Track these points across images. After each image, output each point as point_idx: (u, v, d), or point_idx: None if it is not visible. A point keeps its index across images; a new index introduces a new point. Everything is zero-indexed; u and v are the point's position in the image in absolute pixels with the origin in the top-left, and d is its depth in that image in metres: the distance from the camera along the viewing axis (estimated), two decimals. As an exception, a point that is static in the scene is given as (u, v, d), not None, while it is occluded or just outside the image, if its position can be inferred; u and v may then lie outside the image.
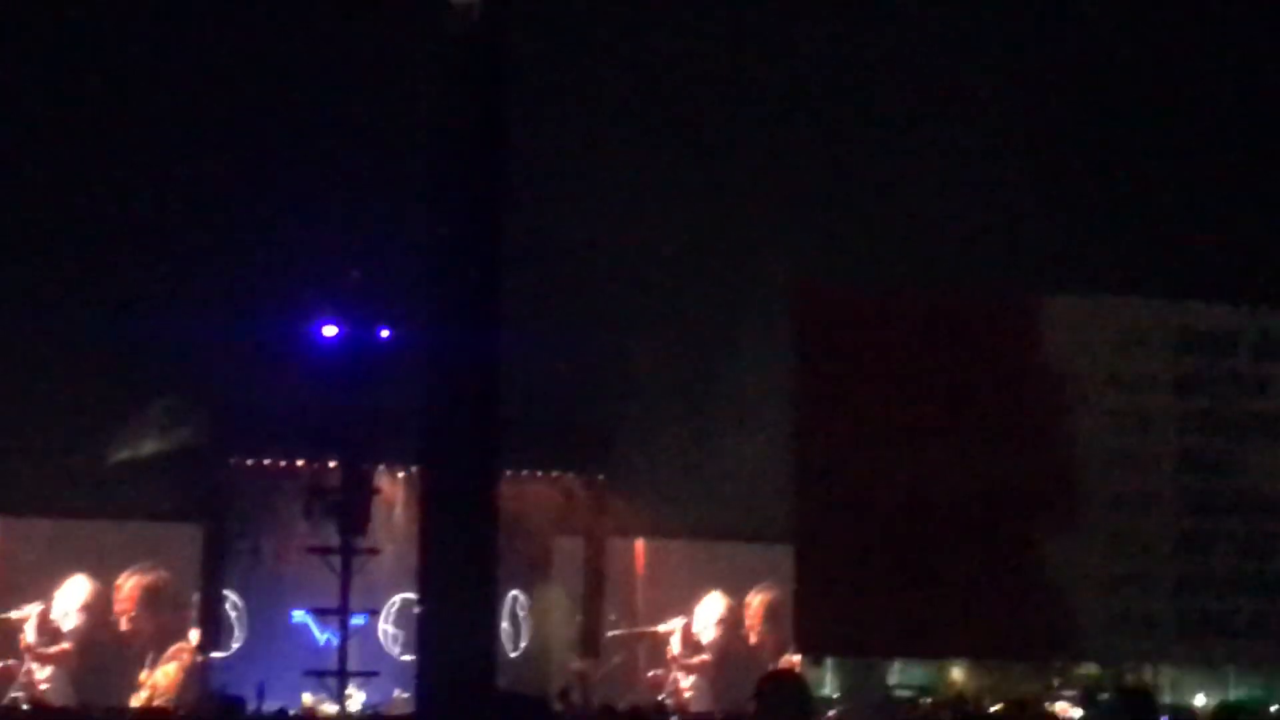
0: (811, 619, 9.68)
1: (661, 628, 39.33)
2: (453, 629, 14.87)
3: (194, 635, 36.42)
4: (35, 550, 35.70)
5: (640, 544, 39.14)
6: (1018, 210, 35.92)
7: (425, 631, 15.29)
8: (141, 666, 36.07)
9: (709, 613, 39.62)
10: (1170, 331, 10.30)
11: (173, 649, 36.19)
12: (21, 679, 35.34)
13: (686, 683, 39.34)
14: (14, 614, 35.47)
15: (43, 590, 35.67)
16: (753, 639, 39.63)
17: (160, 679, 36.12)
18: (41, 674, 35.47)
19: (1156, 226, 36.02)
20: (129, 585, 36.05)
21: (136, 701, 35.45)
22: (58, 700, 33.57)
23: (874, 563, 9.50)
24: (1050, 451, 9.68)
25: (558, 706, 27.90)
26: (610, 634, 38.73)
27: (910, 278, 28.97)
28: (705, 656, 39.51)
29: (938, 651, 16.78)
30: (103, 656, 35.89)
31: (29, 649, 35.64)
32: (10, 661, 35.53)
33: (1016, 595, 9.54)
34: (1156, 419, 10.13)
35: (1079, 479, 9.66)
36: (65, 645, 35.68)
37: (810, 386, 9.62)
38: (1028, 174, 35.94)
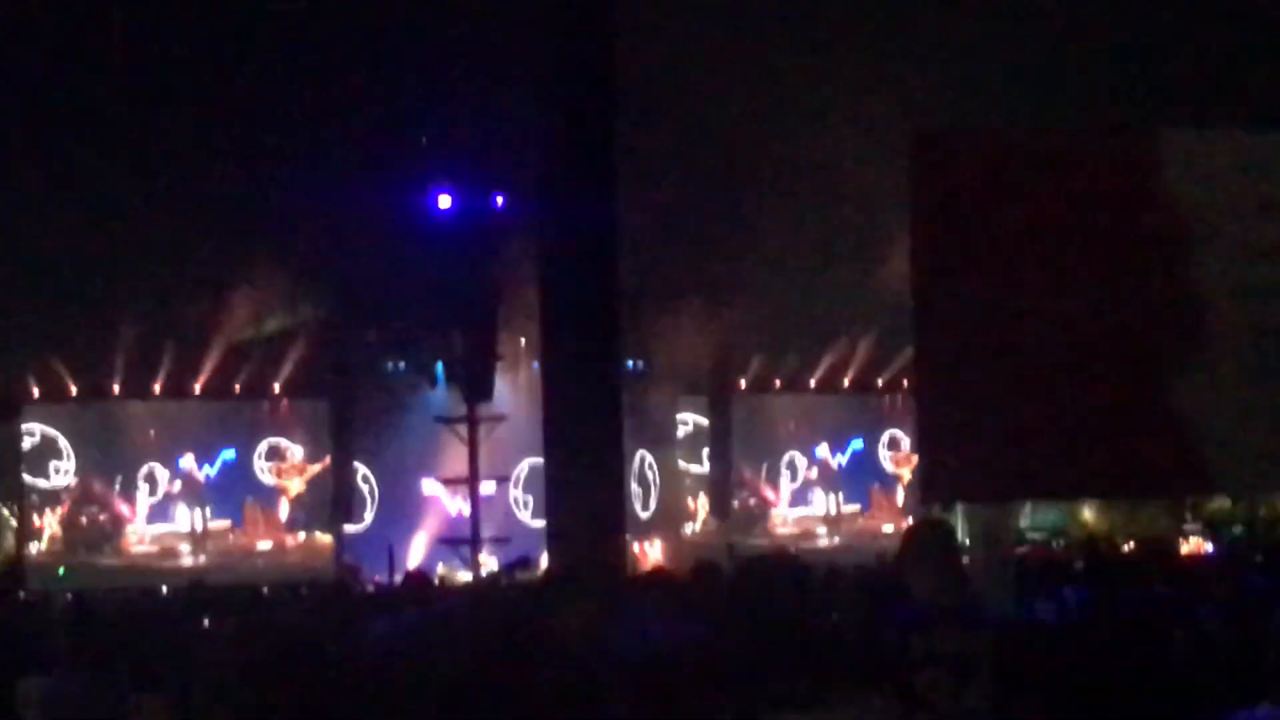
0: (935, 466, 9.63)
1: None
2: (581, 491, 15.03)
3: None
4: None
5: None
6: (1127, 41, 35.19)
7: (554, 494, 15.45)
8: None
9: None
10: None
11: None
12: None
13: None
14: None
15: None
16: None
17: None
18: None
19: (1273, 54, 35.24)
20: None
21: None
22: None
23: (998, 407, 9.41)
24: (1176, 285, 9.54)
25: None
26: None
27: (1021, 119, 28.53)
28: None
29: (1066, 493, 16.75)
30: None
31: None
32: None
33: (1147, 431, 9.44)
34: (1283, 247, 9.96)
35: (1206, 311, 9.51)
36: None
37: (929, 234, 9.54)
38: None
